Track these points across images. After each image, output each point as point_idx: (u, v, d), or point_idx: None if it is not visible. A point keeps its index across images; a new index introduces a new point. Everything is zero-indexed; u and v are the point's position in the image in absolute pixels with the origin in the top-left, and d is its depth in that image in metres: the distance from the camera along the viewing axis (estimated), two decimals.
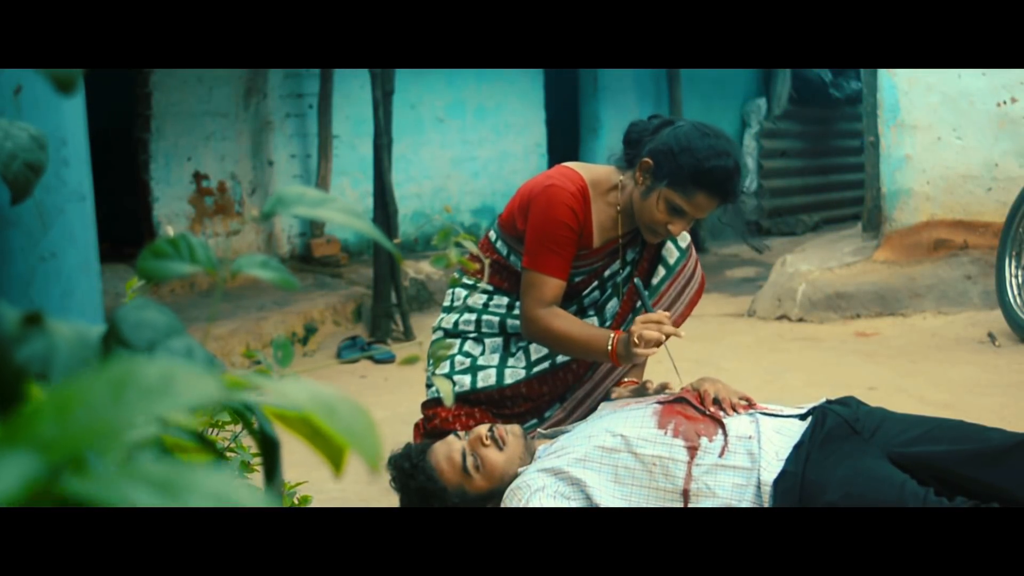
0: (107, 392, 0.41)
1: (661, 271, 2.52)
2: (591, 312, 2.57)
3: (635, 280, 2.39)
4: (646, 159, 2.29)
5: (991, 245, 4.79)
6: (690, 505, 2.04)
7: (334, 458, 0.54)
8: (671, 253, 2.54)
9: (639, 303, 2.48)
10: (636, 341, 2.21)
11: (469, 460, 2.22)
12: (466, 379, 2.51)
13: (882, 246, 5.23)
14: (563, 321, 2.36)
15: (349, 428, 0.50)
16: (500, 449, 2.23)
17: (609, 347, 2.30)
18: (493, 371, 2.52)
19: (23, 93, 1.92)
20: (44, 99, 1.95)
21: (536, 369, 2.53)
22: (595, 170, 2.45)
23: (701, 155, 2.22)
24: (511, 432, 2.27)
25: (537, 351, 2.54)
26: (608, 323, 2.53)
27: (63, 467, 0.40)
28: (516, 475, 2.21)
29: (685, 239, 2.56)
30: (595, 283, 2.53)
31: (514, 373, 2.52)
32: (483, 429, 2.26)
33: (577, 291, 2.52)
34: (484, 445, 2.23)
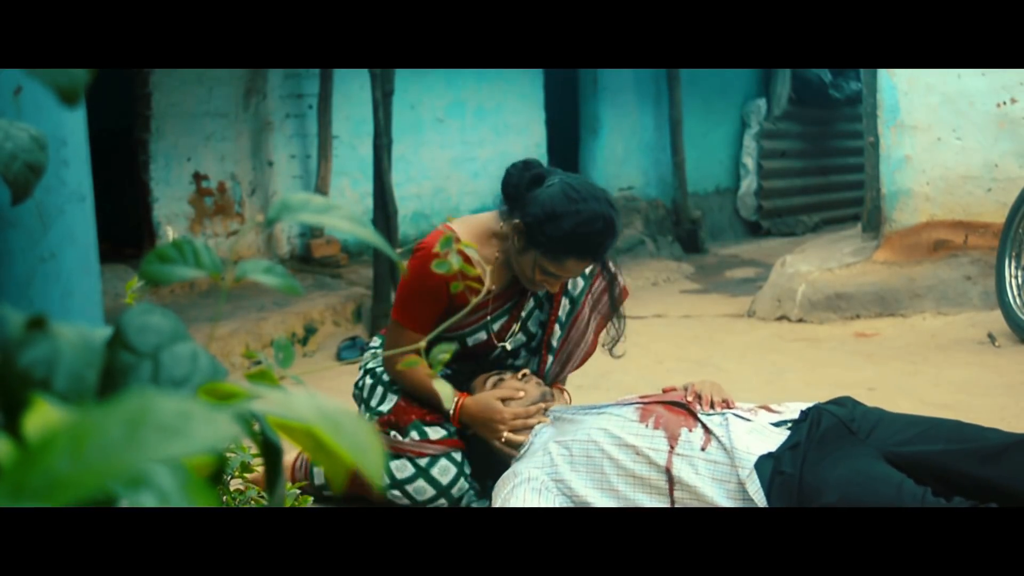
0: (123, 429, 0.41)
1: (566, 304, 2.58)
2: (523, 354, 2.64)
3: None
4: (518, 222, 2.33)
5: (991, 245, 4.78)
6: (674, 490, 2.12)
7: (335, 473, 0.54)
8: (575, 284, 2.58)
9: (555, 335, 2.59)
10: (501, 442, 2.39)
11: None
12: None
13: (882, 246, 5.23)
14: (416, 373, 2.47)
15: (354, 444, 0.50)
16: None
17: (451, 411, 2.46)
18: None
19: (23, 93, 1.91)
20: (44, 99, 1.95)
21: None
22: (474, 222, 2.50)
23: (568, 224, 2.26)
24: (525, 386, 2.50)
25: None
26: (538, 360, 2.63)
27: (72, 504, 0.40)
28: (519, 446, 2.39)
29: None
30: (515, 326, 2.57)
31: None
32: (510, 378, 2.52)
33: (501, 336, 2.58)
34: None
